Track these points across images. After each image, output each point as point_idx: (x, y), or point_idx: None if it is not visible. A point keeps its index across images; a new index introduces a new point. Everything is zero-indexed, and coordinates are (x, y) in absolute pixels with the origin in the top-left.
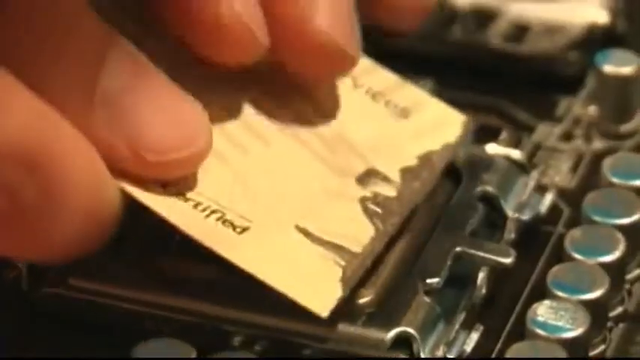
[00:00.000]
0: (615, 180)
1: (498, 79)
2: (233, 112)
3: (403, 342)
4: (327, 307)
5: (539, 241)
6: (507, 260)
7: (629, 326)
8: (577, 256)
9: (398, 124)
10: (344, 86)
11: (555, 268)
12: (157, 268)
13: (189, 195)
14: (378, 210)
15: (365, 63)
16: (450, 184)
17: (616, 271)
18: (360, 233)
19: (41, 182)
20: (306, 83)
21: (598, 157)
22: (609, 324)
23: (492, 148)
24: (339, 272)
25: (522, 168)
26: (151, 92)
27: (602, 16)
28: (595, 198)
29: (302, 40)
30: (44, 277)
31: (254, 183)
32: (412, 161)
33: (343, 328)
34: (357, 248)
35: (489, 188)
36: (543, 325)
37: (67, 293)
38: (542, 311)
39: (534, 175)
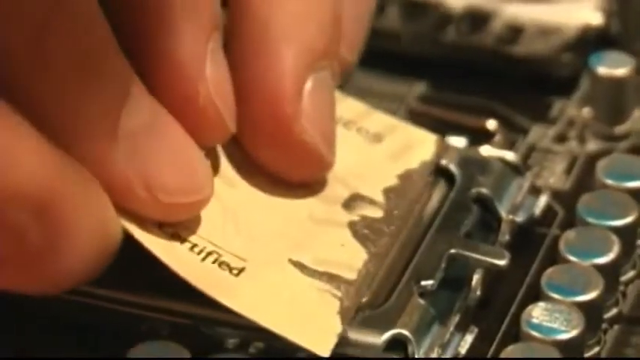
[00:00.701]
0: (609, 182)
1: (492, 81)
2: (216, 149)
3: (398, 344)
4: (329, 346)
5: (533, 242)
6: (502, 262)
7: (624, 328)
8: (571, 257)
9: (373, 149)
10: None
11: (550, 270)
12: (152, 270)
13: (184, 235)
14: (368, 232)
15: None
16: (444, 186)
17: (610, 273)
18: (352, 259)
19: (48, 226)
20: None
21: (592, 159)
22: (604, 326)
23: (486, 150)
24: (337, 305)
25: (517, 170)
26: (167, 135)
27: (596, 18)
28: (589, 200)
29: (283, 139)
30: None
31: (244, 218)
32: (393, 181)
33: None
34: (351, 275)
35: (484, 190)
36: (538, 327)
37: (62, 295)
38: (537, 313)
39: (529, 176)
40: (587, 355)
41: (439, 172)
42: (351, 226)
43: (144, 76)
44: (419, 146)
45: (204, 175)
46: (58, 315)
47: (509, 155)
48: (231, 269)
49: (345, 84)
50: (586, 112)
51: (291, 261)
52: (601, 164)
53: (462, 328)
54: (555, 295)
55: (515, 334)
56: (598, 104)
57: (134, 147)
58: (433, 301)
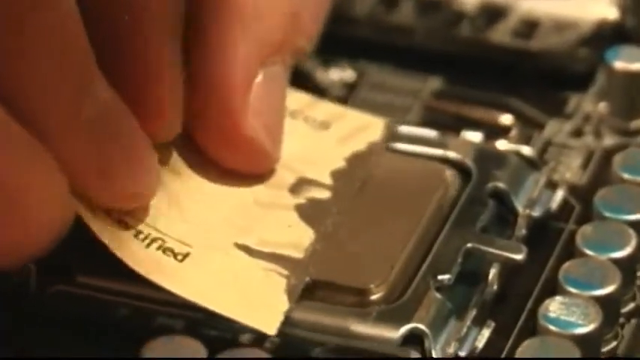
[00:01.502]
0: (626, 176)
1: (508, 76)
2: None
3: (414, 338)
4: (275, 324)
5: (550, 237)
6: (518, 256)
7: None
8: (588, 251)
9: (321, 135)
10: None
11: (567, 264)
12: None
13: (129, 222)
14: (315, 213)
15: None
16: (461, 181)
17: (627, 267)
18: (299, 238)
19: (2, 200)
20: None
21: (608, 154)
22: (621, 320)
23: (503, 145)
24: (284, 283)
25: (533, 164)
26: (121, 125)
27: (611, 13)
28: (606, 194)
29: (229, 133)
30: (52, 276)
31: (190, 205)
32: (341, 163)
33: (354, 324)
34: (298, 254)
35: (500, 184)
36: (555, 321)
37: (76, 291)
38: (554, 307)
39: (545, 171)
40: (604, 349)
41: (455, 166)
42: (298, 208)
43: (103, 68)
44: (367, 130)
45: (152, 167)
46: (71, 311)
47: (526, 150)
48: (175, 255)
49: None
50: (602, 106)
51: (236, 245)
52: (617, 159)
53: (478, 323)
54: (572, 289)
55: (532, 329)
56: (614, 99)
57: (90, 134)
58: (450, 295)
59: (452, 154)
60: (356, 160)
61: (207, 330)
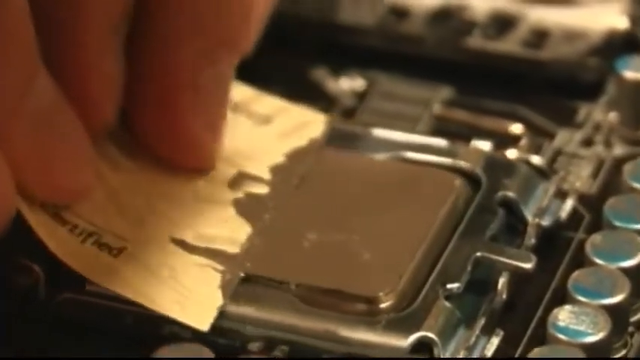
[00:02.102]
0: (636, 185)
1: (518, 86)
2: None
3: (423, 347)
4: (209, 320)
5: (559, 246)
6: (528, 265)
7: None
8: (598, 260)
9: (262, 130)
10: None
11: (576, 273)
12: None
13: (65, 216)
14: (252, 208)
15: None
16: (471, 190)
17: (637, 276)
18: (236, 233)
19: None
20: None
21: (618, 163)
22: (630, 329)
23: (513, 154)
24: (218, 278)
25: (543, 173)
26: (61, 119)
27: (622, 22)
28: (616, 203)
29: (171, 130)
30: (61, 283)
31: (127, 199)
32: (280, 159)
33: (364, 332)
34: (234, 249)
35: (510, 193)
36: (564, 330)
37: (85, 298)
38: (563, 316)
39: (555, 180)
40: (613, 358)
41: (465, 175)
42: (236, 203)
43: (47, 62)
44: (308, 126)
45: (91, 163)
46: (80, 318)
47: (536, 159)
48: (110, 250)
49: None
50: (612, 116)
51: (173, 239)
52: (627, 168)
53: (487, 331)
54: (582, 298)
55: (541, 337)
56: (624, 108)
57: (32, 128)
58: (459, 304)
59: (462, 163)
60: (296, 155)
61: (216, 338)
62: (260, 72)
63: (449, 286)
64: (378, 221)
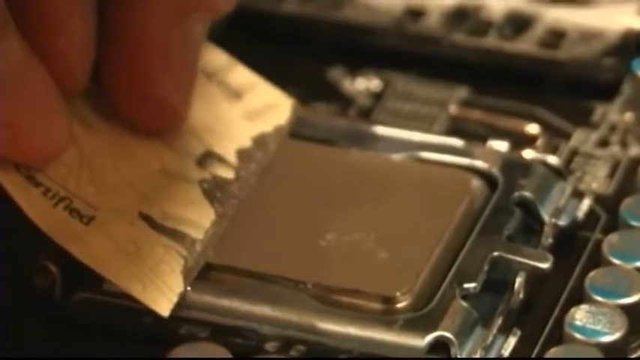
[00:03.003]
0: None
1: (535, 86)
2: (81, 95)
3: (441, 347)
4: (169, 306)
5: (576, 246)
6: (545, 265)
7: None
8: (615, 260)
9: (231, 106)
10: None
11: (593, 273)
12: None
13: (39, 178)
14: (218, 193)
15: None
16: (487, 190)
17: None
18: (201, 218)
19: None
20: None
21: (634, 163)
22: None
23: (529, 154)
24: (181, 263)
25: (559, 174)
26: (33, 78)
27: (638, 23)
28: (632, 203)
29: (141, 91)
30: (77, 283)
31: (99, 165)
32: (247, 143)
33: (381, 332)
34: (198, 235)
35: (527, 193)
36: (581, 330)
37: (101, 298)
38: (580, 315)
39: (571, 180)
40: (630, 357)
41: (482, 175)
42: (202, 183)
43: (18, 23)
44: (275, 109)
45: (63, 124)
46: (96, 318)
47: (552, 159)
48: (81, 217)
49: None
50: (628, 116)
51: (140, 214)
52: None
53: (504, 331)
54: (598, 298)
55: (558, 337)
56: None
57: (2, 87)
58: (476, 303)
59: (478, 163)
60: (261, 141)
61: (232, 338)
62: (276, 72)
63: (466, 285)
64: (395, 221)
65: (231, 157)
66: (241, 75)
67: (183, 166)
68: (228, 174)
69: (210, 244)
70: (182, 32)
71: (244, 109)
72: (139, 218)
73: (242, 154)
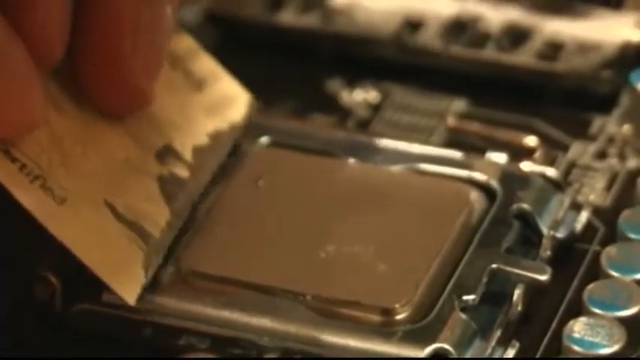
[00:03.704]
0: None
1: (533, 98)
2: (51, 74)
3: (439, 358)
4: (134, 294)
5: (574, 258)
6: (543, 277)
7: None
8: (613, 273)
9: (193, 98)
10: None
11: (591, 285)
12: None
13: (15, 154)
14: (173, 191)
15: None
16: (486, 202)
17: None
18: (157, 215)
19: None
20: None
21: (632, 176)
22: None
23: (527, 166)
24: (141, 257)
25: (557, 186)
26: (9, 52)
27: (636, 35)
28: (630, 215)
29: (108, 74)
30: (77, 294)
31: (69, 148)
32: (204, 140)
33: (380, 344)
34: (155, 231)
35: (525, 206)
36: (580, 342)
37: (101, 309)
38: (579, 328)
39: (569, 192)
40: None
41: (480, 187)
42: (160, 180)
43: None
44: (233, 104)
45: (39, 96)
46: (95, 329)
47: (550, 171)
48: (54, 197)
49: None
50: (626, 128)
51: (106, 202)
52: None
53: (503, 343)
54: (597, 310)
55: (556, 349)
56: (638, 121)
57: None
58: (475, 315)
59: (477, 175)
60: (217, 139)
61: (232, 349)
62: (274, 83)
63: (465, 297)
64: (394, 233)
65: (188, 155)
66: (205, 64)
67: (144, 160)
68: (183, 173)
69: (164, 244)
70: (152, 13)
71: (204, 102)
72: (105, 206)
73: (198, 151)
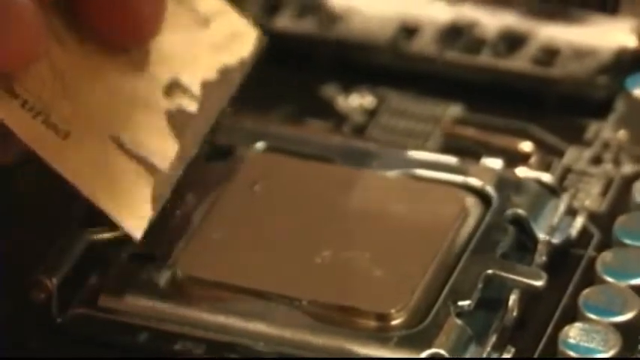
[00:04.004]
0: None
1: (528, 103)
2: (57, 10)
3: None
4: (141, 228)
5: (569, 264)
6: (538, 283)
7: None
8: (608, 278)
9: (199, 33)
10: None
11: (587, 291)
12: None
13: (17, 90)
14: (182, 126)
15: None
16: (481, 207)
17: None
18: (166, 149)
19: None
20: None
21: (628, 181)
22: None
23: (522, 172)
24: (149, 191)
25: (553, 191)
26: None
27: (631, 41)
28: (625, 221)
29: (116, 8)
30: (73, 298)
31: (72, 81)
32: (212, 74)
33: (375, 349)
34: (164, 165)
35: (520, 211)
36: (575, 347)
37: (97, 314)
38: (574, 333)
39: (565, 198)
40: None
41: (475, 193)
42: (168, 114)
43: None
44: (240, 40)
45: (40, 27)
46: (91, 334)
47: (546, 177)
48: (57, 131)
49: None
50: (621, 134)
51: (112, 137)
52: (636, 186)
53: (498, 348)
54: (592, 316)
55: (552, 355)
56: (633, 126)
57: None
58: (470, 321)
59: (472, 181)
60: (225, 74)
61: (228, 354)
62: (271, 88)
63: (460, 303)
64: (390, 238)
65: (196, 89)
66: (212, 1)
67: (151, 94)
68: (192, 106)
69: (174, 178)
70: None
71: (212, 37)
72: (110, 140)
73: (206, 86)
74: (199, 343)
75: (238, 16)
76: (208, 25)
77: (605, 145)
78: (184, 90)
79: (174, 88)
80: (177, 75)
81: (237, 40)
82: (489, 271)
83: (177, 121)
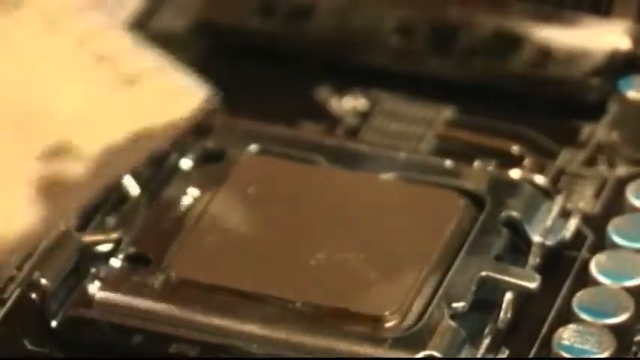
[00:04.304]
0: (639, 205)
1: (521, 105)
2: None
3: None
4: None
5: (563, 266)
6: (532, 285)
7: None
8: (602, 280)
9: (118, 95)
10: (64, 46)
11: (581, 293)
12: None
13: None
14: (53, 195)
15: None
16: (474, 210)
17: None
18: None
19: None
20: None
21: (621, 183)
22: (634, 348)
23: (516, 174)
24: None
25: (546, 193)
26: None
27: (624, 42)
28: (619, 223)
29: None
30: (68, 299)
31: None
32: (121, 138)
33: (369, 351)
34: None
35: (514, 213)
36: (569, 349)
37: (91, 316)
38: (568, 335)
39: (558, 200)
40: None
41: (469, 195)
42: (39, 180)
43: None
44: (175, 101)
45: None
46: (85, 336)
47: (539, 179)
48: None
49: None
50: (615, 136)
51: None
52: (630, 188)
53: (492, 350)
54: (586, 318)
55: (546, 357)
56: (627, 128)
57: None
58: (464, 323)
59: (465, 183)
60: (141, 138)
61: (222, 356)
62: (263, 90)
63: (454, 305)
64: (383, 241)
65: (92, 152)
66: (145, 60)
67: (22, 155)
68: (77, 171)
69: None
70: None
71: (133, 99)
72: None
73: (110, 150)
74: (194, 345)
75: (182, 77)
76: (132, 85)
77: (599, 147)
78: (74, 154)
79: (58, 151)
80: (68, 137)
81: (171, 102)
82: (483, 273)
83: (49, 188)
